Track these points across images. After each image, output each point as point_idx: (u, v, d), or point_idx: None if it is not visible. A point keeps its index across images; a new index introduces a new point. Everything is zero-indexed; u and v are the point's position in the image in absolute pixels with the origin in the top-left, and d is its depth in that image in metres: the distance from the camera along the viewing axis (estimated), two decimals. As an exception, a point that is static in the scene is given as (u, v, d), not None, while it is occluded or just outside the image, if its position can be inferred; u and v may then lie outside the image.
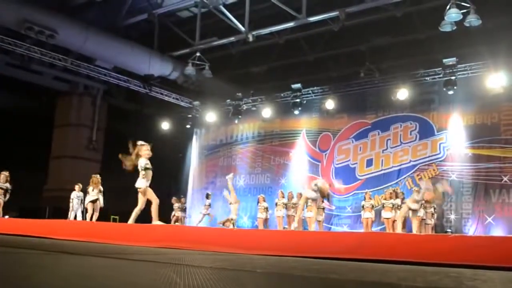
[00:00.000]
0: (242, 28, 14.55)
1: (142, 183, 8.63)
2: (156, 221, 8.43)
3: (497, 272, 3.01)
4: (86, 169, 18.03)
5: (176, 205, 18.22)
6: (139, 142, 8.87)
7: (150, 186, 8.84)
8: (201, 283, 1.90)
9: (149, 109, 20.01)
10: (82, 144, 20.27)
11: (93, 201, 13.62)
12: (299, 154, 18.57)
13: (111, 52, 16.55)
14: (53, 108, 20.76)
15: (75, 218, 14.35)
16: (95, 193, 13.66)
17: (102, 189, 13.89)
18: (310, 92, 17.81)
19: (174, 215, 18.00)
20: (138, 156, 8.71)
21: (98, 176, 14.00)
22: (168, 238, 6.35)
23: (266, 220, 16.29)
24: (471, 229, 14.53)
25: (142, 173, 8.65)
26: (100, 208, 13.84)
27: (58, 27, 15.07)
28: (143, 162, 8.69)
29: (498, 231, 13.91)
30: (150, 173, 8.75)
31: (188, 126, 20.67)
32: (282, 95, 18.38)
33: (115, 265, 3.12)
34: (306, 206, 15.50)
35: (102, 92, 20.41)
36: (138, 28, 17.17)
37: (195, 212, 20.48)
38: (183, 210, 18.54)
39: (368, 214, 14.61)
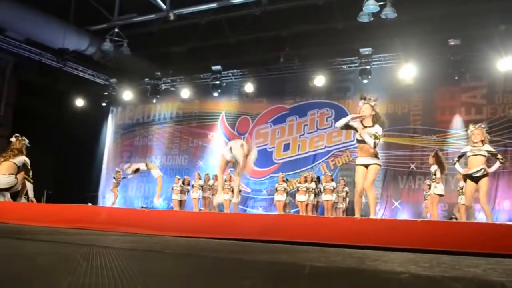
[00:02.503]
0: (164, 6, 14.23)
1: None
2: None
3: (398, 253, 3.16)
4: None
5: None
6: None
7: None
8: (107, 264, 1.85)
9: (62, 84, 19.16)
10: (-12, 118, 19.10)
11: None
12: (218, 137, 18.60)
13: (24, 23, 15.57)
14: (-44, 79, 19.37)
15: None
16: None
17: None
18: (230, 74, 17.82)
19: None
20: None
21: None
22: (82, 218, 6.16)
23: (182, 202, 16.22)
24: (379, 213, 15.24)
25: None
26: None
27: (-35, -8, 14.04)
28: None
29: (403, 215, 14.71)
30: None
31: (103, 104, 20.05)
32: (201, 76, 18.26)
33: (17, 247, 2.99)
34: (223, 189, 15.60)
35: (12, 64, 19.23)
36: (53, -1, 16.32)
37: (109, 192, 20.01)
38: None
39: (280, 197, 14.89)
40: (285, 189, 15.11)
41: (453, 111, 15.01)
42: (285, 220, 5.13)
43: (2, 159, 7.80)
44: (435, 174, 10.38)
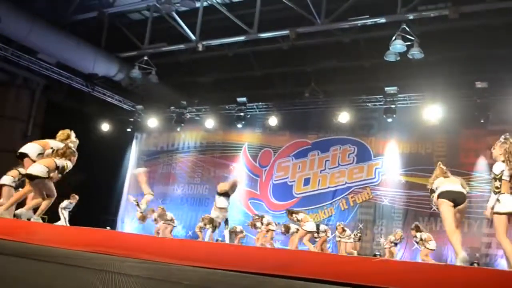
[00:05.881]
0: (193, 37, 14.52)
1: None
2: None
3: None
4: (17, 163, 17.30)
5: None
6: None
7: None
8: (125, 292, 1.87)
9: (89, 108, 19.50)
10: (16, 138, 19.45)
11: None
12: (239, 168, 18.61)
13: (56, 47, 16.00)
14: (-13, 98, 19.87)
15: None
16: None
17: None
18: (254, 107, 17.93)
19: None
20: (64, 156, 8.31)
21: None
22: (101, 243, 6.19)
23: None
24: (399, 253, 14.97)
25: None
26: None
27: (2, 14, 14.46)
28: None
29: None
30: None
31: (129, 130, 20.29)
32: (226, 107, 18.40)
33: (36, 268, 3.02)
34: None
35: (42, 86, 19.70)
36: (86, 25, 16.72)
37: (128, 217, 20.08)
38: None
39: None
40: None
41: (478, 154, 14.78)
42: (303, 257, 5.09)
43: (47, 157, 8.09)
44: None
